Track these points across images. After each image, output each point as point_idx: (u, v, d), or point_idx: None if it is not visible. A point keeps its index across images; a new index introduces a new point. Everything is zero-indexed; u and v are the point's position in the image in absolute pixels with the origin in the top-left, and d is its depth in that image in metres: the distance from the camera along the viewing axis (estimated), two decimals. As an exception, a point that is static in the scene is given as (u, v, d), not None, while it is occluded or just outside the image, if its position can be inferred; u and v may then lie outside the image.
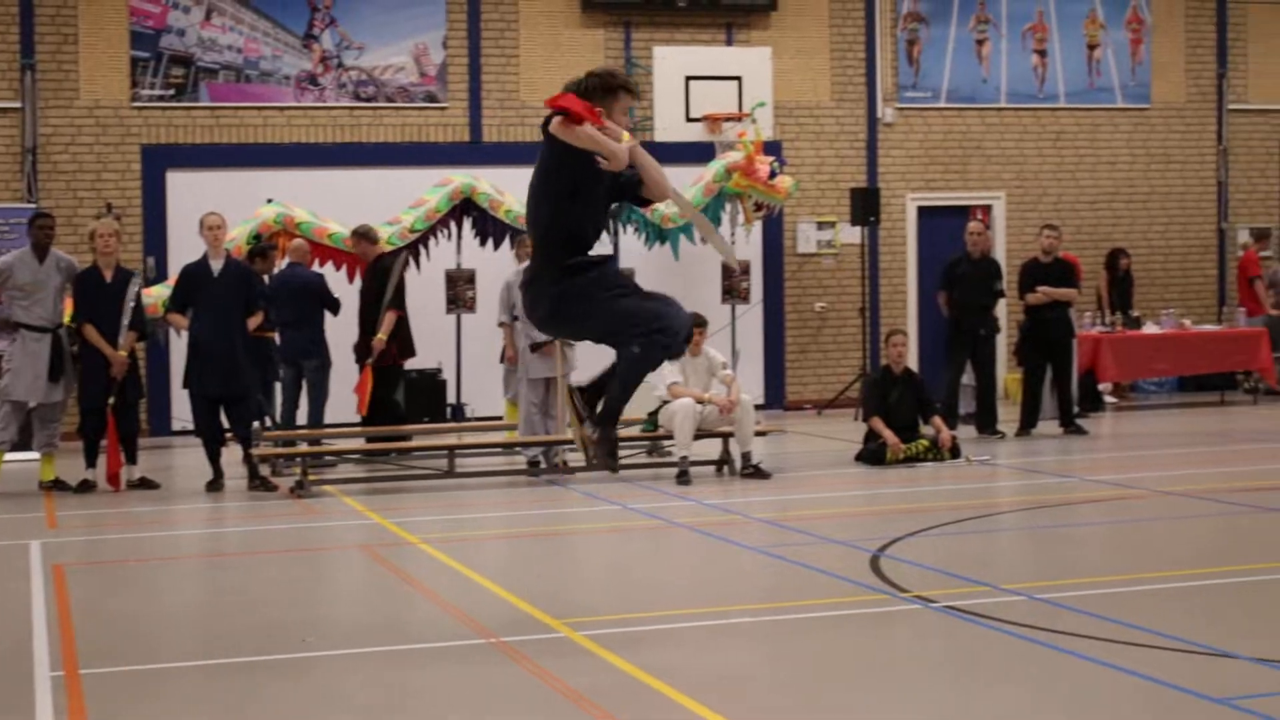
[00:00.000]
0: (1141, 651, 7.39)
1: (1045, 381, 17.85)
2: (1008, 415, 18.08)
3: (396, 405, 16.13)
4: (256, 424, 15.29)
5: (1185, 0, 23.37)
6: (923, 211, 22.34)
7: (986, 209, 22.47)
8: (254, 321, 14.64)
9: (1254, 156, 23.83)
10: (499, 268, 17.30)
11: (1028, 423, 17.57)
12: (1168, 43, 23.28)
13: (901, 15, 22.16)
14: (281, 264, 16.87)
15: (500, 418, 17.58)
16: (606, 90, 7.68)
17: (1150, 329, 20.93)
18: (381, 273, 15.95)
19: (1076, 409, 18.26)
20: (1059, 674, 7.15)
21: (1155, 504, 12.51)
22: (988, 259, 17.89)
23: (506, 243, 18.16)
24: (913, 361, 19.58)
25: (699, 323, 14.86)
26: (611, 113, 7.64)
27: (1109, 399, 21.15)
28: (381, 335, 15.67)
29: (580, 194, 7.68)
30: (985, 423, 17.38)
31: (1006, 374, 21.02)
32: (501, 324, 15.68)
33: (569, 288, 7.76)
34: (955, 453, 15.33)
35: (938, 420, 15.52)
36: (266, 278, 16.25)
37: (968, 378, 17.80)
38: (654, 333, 7.73)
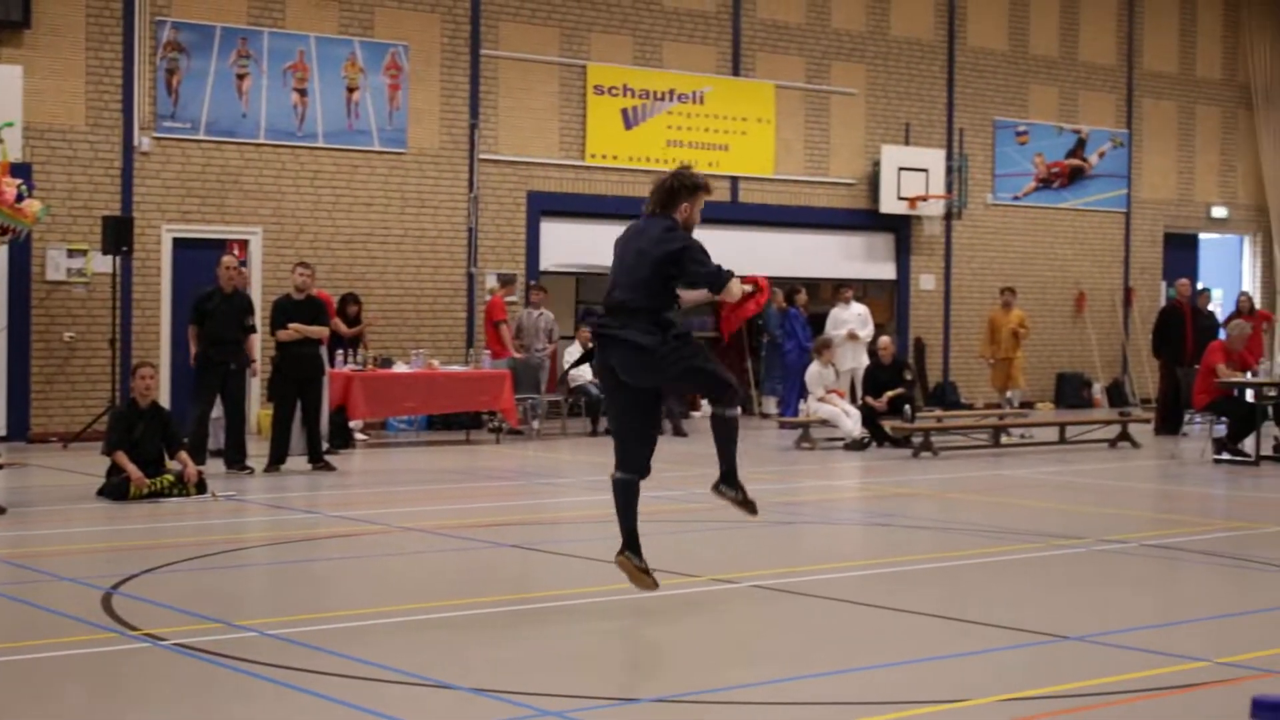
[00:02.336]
0: (366, 685, 7.53)
1: (296, 417, 17.96)
2: (259, 450, 18.09)
3: None
4: None
5: (441, 51, 24.18)
6: (178, 243, 22.07)
7: (243, 244, 22.45)
8: None
9: (502, 205, 24.89)
10: None
11: (277, 458, 17.62)
12: (424, 91, 24.01)
13: (161, 44, 21.85)
14: None
15: None
16: (694, 190, 9.01)
17: (400, 368, 21.41)
18: None
19: (326, 445, 18.51)
20: (281, 708, 7.20)
21: (397, 539, 12.81)
22: (240, 293, 17.88)
23: None
24: (165, 395, 19.34)
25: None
26: (694, 208, 9.00)
27: (360, 436, 21.52)
28: None
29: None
30: (234, 458, 17.34)
31: (259, 409, 21.02)
32: None
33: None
34: (201, 488, 15.21)
35: (183, 454, 15.35)
36: None
37: (218, 412, 17.74)
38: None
